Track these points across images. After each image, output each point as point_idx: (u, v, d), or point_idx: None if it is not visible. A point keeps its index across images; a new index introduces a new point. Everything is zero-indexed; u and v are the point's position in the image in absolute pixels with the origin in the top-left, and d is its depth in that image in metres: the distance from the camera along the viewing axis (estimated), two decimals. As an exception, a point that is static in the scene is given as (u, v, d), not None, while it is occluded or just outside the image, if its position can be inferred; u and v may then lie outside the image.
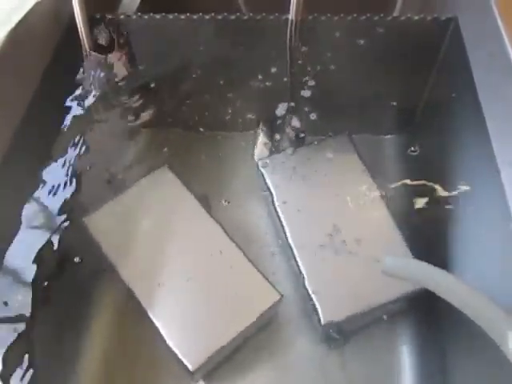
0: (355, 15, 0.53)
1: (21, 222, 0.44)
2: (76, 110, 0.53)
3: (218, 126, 0.56)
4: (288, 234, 0.45)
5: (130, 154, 0.54)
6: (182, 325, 0.40)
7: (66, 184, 0.48)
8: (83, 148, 0.51)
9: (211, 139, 0.55)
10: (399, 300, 0.41)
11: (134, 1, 0.61)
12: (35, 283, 0.42)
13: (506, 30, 0.42)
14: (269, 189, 0.48)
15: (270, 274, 0.42)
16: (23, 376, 0.38)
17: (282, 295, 0.41)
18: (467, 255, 0.41)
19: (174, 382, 0.41)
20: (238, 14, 0.54)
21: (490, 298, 0.31)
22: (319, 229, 0.45)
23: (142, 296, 0.41)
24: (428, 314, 0.42)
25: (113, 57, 0.56)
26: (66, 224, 0.46)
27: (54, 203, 0.47)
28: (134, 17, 0.55)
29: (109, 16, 0.55)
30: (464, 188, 0.44)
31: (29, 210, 0.45)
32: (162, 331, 0.40)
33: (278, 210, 0.46)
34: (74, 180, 0.49)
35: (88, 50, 0.54)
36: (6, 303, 0.40)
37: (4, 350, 0.38)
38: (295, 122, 0.54)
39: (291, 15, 0.52)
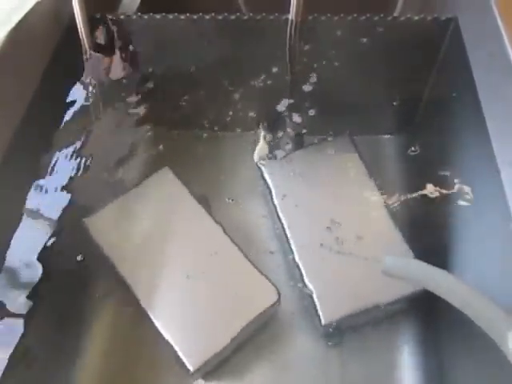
0: (355, 15, 0.53)
1: (21, 223, 0.44)
2: (76, 110, 0.53)
3: (218, 126, 0.56)
4: (288, 234, 0.45)
5: (129, 154, 0.54)
6: (182, 325, 0.40)
7: (65, 184, 0.48)
8: (83, 148, 0.51)
9: (211, 139, 0.55)
10: (399, 300, 0.41)
11: (134, 1, 0.61)
12: (35, 283, 0.42)
13: (506, 30, 0.42)
14: (269, 189, 0.48)
15: (269, 274, 0.42)
16: (23, 376, 0.38)
17: (280, 294, 0.41)
18: (467, 255, 0.41)
19: (174, 382, 0.41)
20: (238, 14, 0.54)
21: (490, 298, 0.31)
22: (319, 229, 0.45)
23: (142, 296, 0.42)
24: (428, 314, 0.42)
25: (113, 57, 0.56)
26: (66, 225, 0.46)
27: (55, 203, 0.47)
28: (134, 17, 0.55)
29: (109, 16, 0.55)
30: (464, 188, 0.44)
31: (29, 210, 0.45)
32: (162, 331, 0.40)
33: (278, 209, 0.46)
34: (74, 180, 0.49)
35: (88, 50, 0.54)
36: (5, 303, 0.40)
37: (4, 350, 0.38)
38: (295, 122, 0.54)
39: (291, 15, 0.52)
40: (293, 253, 0.44)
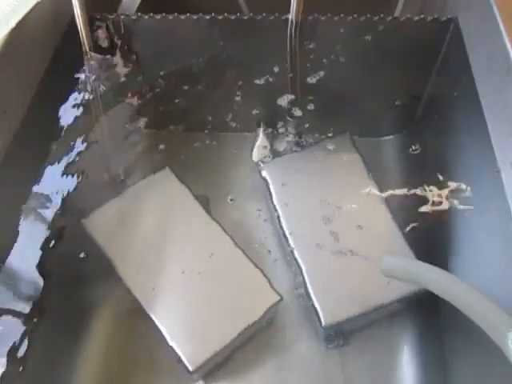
0: (355, 15, 0.53)
1: (21, 222, 0.44)
2: (76, 111, 0.53)
3: (219, 126, 0.56)
4: (288, 234, 0.45)
5: (130, 154, 0.54)
6: (182, 325, 0.40)
7: (66, 184, 0.48)
8: (83, 148, 0.51)
9: (211, 139, 0.55)
10: (399, 300, 0.41)
11: (134, 1, 0.61)
12: (35, 283, 0.42)
13: (507, 31, 0.42)
14: (269, 189, 0.48)
15: (269, 275, 0.42)
16: (23, 376, 0.38)
17: (282, 296, 0.41)
18: (467, 255, 0.41)
19: (173, 382, 0.41)
20: (239, 14, 0.54)
21: (490, 297, 0.31)
22: (319, 229, 0.45)
23: (141, 296, 0.42)
24: (428, 315, 0.42)
25: (113, 57, 0.56)
26: (66, 224, 0.46)
27: (55, 203, 0.47)
28: (134, 17, 0.55)
29: (109, 16, 0.55)
30: (464, 188, 0.44)
31: (29, 210, 0.45)
32: (162, 331, 0.40)
33: (278, 210, 0.46)
34: (74, 180, 0.49)
35: (88, 51, 0.54)
36: (5, 303, 0.40)
37: (5, 350, 0.38)
38: (295, 122, 0.54)
39: (291, 15, 0.52)
40: (293, 253, 0.44)
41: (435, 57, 0.54)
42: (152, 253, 0.44)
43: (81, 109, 0.53)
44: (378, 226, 0.45)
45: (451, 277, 0.33)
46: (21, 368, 0.38)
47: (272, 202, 0.47)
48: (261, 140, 0.53)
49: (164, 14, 0.54)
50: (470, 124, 0.46)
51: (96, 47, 0.55)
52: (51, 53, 0.52)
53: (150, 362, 0.42)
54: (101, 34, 0.56)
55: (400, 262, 0.37)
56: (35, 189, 0.47)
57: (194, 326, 0.40)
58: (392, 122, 0.56)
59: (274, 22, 0.54)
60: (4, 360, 0.37)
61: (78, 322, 0.44)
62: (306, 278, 0.42)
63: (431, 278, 0.34)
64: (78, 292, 0.45)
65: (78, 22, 0.52)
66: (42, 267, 0.43)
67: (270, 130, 0.54)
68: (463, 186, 0.44)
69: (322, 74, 0.55)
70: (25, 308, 0.40)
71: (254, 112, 0.55)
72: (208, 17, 0.54)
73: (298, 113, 0.54)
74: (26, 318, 0.40)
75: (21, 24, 0.46)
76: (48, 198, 0.47)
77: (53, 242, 0.45)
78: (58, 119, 0.51)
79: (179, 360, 0.39)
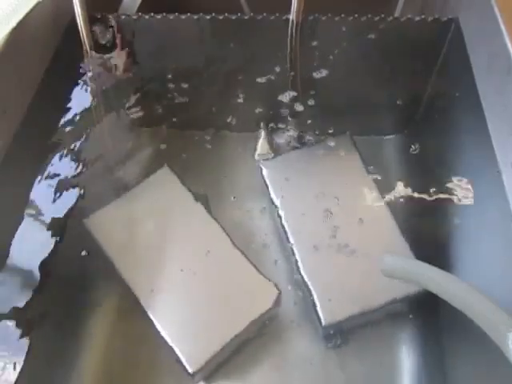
0: (356, 16, 0.53)
1: (21, 222, 0.44)
2: (76, 110, 0.53)
3: (219, 126, 0.56)
4: (288, 234, 0.45)
5: (130, 153, 0.54)
6: (182, 326, 0.40)
7: (66, 184, 0.48)
8: (83, 148, 0.51)
9: (212, 139, 0.55)
10: (399, 300, 0.41)
11: (135, 1, 0.61)
12: (35, 283, 0.42)
13: (507, 31, 0.42)
14: (269, 189, 0.48)
15: (270, 274, 0.42)
16: (23, 375, 0.38)
17: (280, 294, 0.41)
18: (467, 255, 0.41)
19: (174, 382, 0.41)
20: (239, 14, 0.54)
21: (490, 298, 0.31)
22: (320, 229, 0.45)
23: (142, 296, 0.41)
24: (428, 315, 0.42)
25: (113, 57, 0.56)
26: (66, 224, 0.46)
27: (55, 203, 0.47)
28: (135, 17, 0.55)
29: (109, 16, 0.55)
30: (465, 188, 0.44)
31: (29, 210, 0.45)
32: (162, 332, 0.40)
33: (279, 209, 0.46)
34: (75, 180, 0.49)
35: (88, 50, 0.54)
36: (6, 302, 0.40)
37: (5, 349, 0.38)
38: (296, 122, 0.54)
39: (292, 15, 0.52)
40: (293, 253, 0.44)
41: (436, 57, 0.54)
42: (152, 253, 0.44)
43: (81, 108, 0.53)
44: (378, 225, 0.45)
45: (451, 277, 0.33)
46: (21, 367, 0.38)
47: (272, 202, 0.47)
48: (261, 139, 0.53)
49: (165, 14, 0.54)
50: (470, 124, 0.46)
51: (96, 47, 0.55)
52: (51, 52, 0.52)
53: (150, 362, 0.42)
54: (101, 33, 0.56)
55: (400, 262, 0.37)
56: (35, 189, 0.47)
57: (193, 327, 0.40)
58: (393, 122, 0.56)
59: (274, 22, 0.54)
60: (4, 359, 0.37)
61: (78, 322, 0.44)
62: (305, 277, 0.42)
63: (431, 278, 0.34)
64: (78, 292, 0.45)
65: (78, 21, 0.52)
66: (42, 267, 0.43)
67: (270, 129, 0.54)
68: (464, 186, 0.44)
69: (322, 74, 0.55)
70: (25, 307, 0.40)
71: (255, 111, 0.55)
72: (209, 17, 0.54)
73: (298, 112, 0.54)
74: (25, 318, 0.40)
75: (21, 24, 0.46)
76: (48, 198, 0.47)
77: (53, 241, 0.45)
78: (57, 118, 0.51)
79: (179, 361, 0.39)
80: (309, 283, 0.42)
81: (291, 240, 0.44)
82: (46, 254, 0.43)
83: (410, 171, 0.51)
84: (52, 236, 0.45)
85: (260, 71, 0.55)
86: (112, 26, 0.56)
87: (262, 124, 0.54)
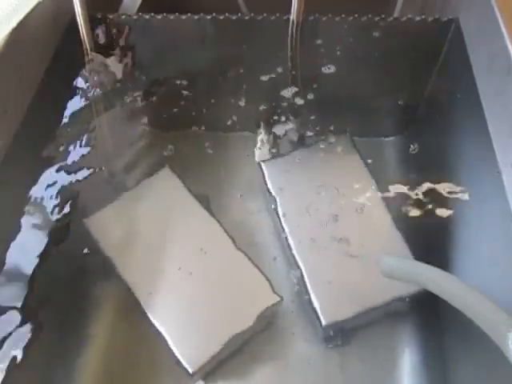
0: (356, 16, 0.53)
1: (21, 223, 0.44)
2: (76, 111, 0.53)
3: (219, 126, 0.56)
4: (288, 234, 0.45)
5: (130, 154, 0.54)
6: (182, 325, 0.40)
7: (66, 184, 0.48)
8: (84, 148, 0.51)
9: (212, 139, 0.55)
10: (399, 300, 0.41)
11: (135, 1, 0.61)
12: (35, 283, 0.42)
13: (507, 31, 0.42)
14: (269, 189, 0.48)
15: (270, 274, 0.42)
16: (23, 375, 0.38)
17: (282, 297, 0.41)
18: (467, 255, 0.41)
19: (173, 382, 0.41)
20: (240, 14, 0.54)
21: (490, 298, 0.31)
22: (319, 228, 0.45)
23: (141, 296, 0.41)
24: (428, 315, 0.42)
25: (113, 57, 0.56)
26: (66, 224, 0.46)
27: (55, 203, 0.47)
28: (135, 17, 0.55)
29: (110, 16, 0.55)
30: (465, 188, 0.44)
31: (29, 210, 0.45)
32: (162, 332, 0.40)
33: (279, 210, 0.46)
34: (75, 180, 0.49)
35: (89, 50, 0.54)
36: (5, 302, 0.40)
37: (5, 349, 0.38)
38: (296, 123, 0.54)
39: (292, 16, 0.52)
40: (292, 252, 0.44)
41: (436, 57, 0.54)
42: (152, 253, 0.44)
43: (81, 109, 0.53)
44: (377, 225, 0.45)
45: (451, 277, 0.33)
46: (21, 367, 0.38)
47: (272, 201, 0.47)
48: (262, 140, 0.53)
49: (165, 14, 0.54)
50: (470, 125, 0.46)
51: (97, 47, 0.55)
52: (52, 52, 0.52)
53: (149, 362, 0.42)
54: (101, 33, 0.56)
55: (400, 263, 0.37)
56: (35, 188, 0.47)
57: (193, 327, 0.40)
58: (393, 123, 0.56)
59: (274, 22, 0.54)
60: (4, 359, 0.37)
61: (78, 322, 0.44)
62: (305, 276, 0.42)
63: (431, 278, 0.34)
64: (78, 292, 0.45)
65: (78, 21, 0.52)
66: (42, 267, 0.43)
67: (270, 130, 0.54)
68: (464, 187, 0.44)
69: (322, 74, 0.55)
70: (24, 307, 0.40)
71: (255, 111, 0.55)
72: (209, 17, 0.54)
73: (299, 112, 0.54)
74: (25, 318, 0.40)
75: (21, 24, 0.46)
76: (49, 198, 0.47)
77: (53, 241, 0.45)
78: (57, 118, 0.51)
79: (179, 361, 0.39)
80: (308, 283, 0.42)
81: (290, 240, 0.44)
82: (46, 254, 0.43)
83: (409, 171, 0.51)
84: (52, 236, 0.45)
85: (260, 71, 0.55)
86: (112, 26, 0.56)
87: (262, 124, 0.54)
